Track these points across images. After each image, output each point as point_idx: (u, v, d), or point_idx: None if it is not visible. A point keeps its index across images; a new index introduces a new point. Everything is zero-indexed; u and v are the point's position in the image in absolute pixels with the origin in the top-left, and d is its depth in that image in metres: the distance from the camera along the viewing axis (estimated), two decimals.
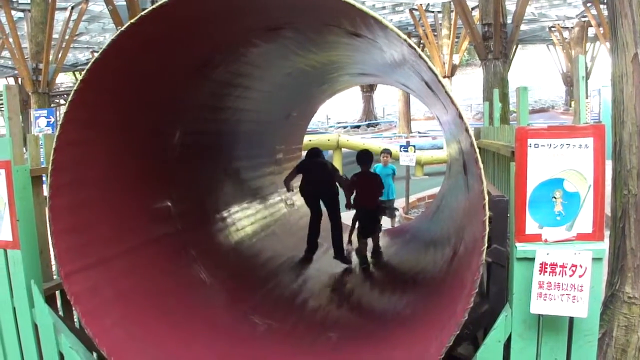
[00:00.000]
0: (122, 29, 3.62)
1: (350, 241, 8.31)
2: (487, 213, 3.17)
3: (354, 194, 7.93)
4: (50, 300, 4.37)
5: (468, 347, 4.67)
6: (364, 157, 8.30)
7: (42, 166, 4.34)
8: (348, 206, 7.90)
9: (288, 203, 8.86)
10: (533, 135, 3.23)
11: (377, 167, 10.58)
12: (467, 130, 3.26)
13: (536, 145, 3.23)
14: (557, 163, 3.22)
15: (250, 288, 5.98)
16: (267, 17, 4.46)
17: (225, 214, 6.62)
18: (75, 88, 3.74)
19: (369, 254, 7.69)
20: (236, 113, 6.56)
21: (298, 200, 9.31)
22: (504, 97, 12.61)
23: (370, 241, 7.86)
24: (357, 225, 8.14)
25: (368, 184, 7.98)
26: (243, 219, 7.07)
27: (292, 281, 6.65)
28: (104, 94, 4.01)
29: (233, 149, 6.89)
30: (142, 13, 3.54)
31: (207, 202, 6.26)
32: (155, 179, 5.11)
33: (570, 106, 35.91)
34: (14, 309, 4.19)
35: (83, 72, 3.75)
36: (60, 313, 4.47)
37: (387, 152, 11.06)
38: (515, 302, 3.37)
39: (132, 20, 3.60)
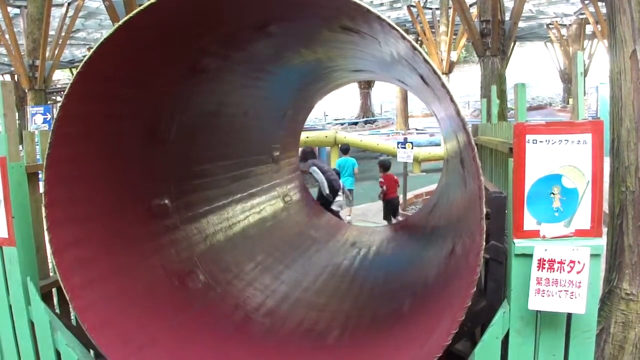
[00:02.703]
0: (120, 23, 3.60)
1: None
2: (484, 210, 3.16)
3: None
4: (47, 297, 4.36)
5: (466, 343, 4.67)
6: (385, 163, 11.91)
7: (38, 163, 4.32)
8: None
9: (286, 200, 8.85)
10: (531, 131, 3.22)
11: (339, 161, 13.09)
12: (464, 127, 3.24)
13: (534, 141, 3.21)
14: (556, 159, 3.21)
15: (248, 285, 5.96)
16: (265, 11, 4.43)
17: (222, 209, 6.59)
18: (71, 81, 3.72)
19: None
20: (230, 109, 6.52)
21: (295, 196, 9.33)
22: (502, 94, 12.64)
23: None
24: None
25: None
26: (240, 215, 7.04)
27: (291, 277, 6.64)
28: (100, 83, 3.98)
29: (228, 145, 6.84)
30: (141, 7, 3.53)
31: (204, 197, 6.22)
32: (152, 173, 5.08)
33: (568, 103, 35.97)
34: (10, 306, 4.17)
35: (80, 65, 3.73)
36: (57, 311, 4.45)
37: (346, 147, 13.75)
38: (513, 298, 3.36)
39: (129, 15, 3.58)
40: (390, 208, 11.65)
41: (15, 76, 32.18)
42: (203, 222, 6.03)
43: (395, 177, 11.72)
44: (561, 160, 3.21)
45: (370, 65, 6.34)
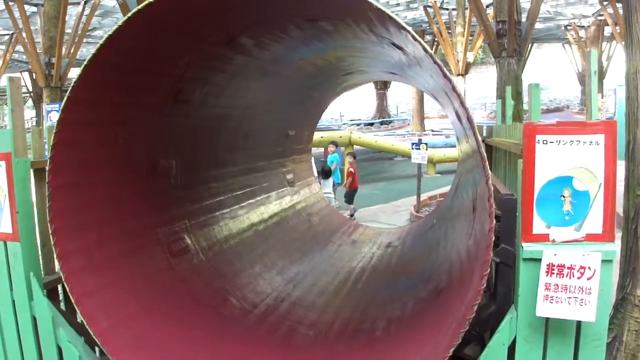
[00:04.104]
0: (125, 18, 3.55)
1: None
2: (494, 213, 3.08)
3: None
4: (52, 293, 4.33)
5: (475, 348, 4.60)
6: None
7: (46, 159, 4.29)
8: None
9: (289, 180, 8.82)
10: (542, 131, 3.12)
11: (331, 157, 14.10)
12: (474, 134, 3.17)
13: (545, 142, 3.12)
14: (567, 160, 3.12)
15: (240, 271, 5.94)
16: (298, 10, 4.38)
17: (230, 203, 6.55)
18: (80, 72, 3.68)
19: None
20: (249, 87, 6.46)
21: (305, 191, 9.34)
22: (518, 96, 12.52)
23: None
24: None
25: None
26: (248, 209, 7.00)
27: (295, 274, 6.59)
28: (108, 72, 3.93)
29: (241, 123, 6.79)
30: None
31: (211, 190, 6.18)
32: (159, 144, 5.03)
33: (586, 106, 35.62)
34: (13, 302, 4.15)
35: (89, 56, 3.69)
36: (63, 307, 4.42)
37: (334, 143, 14.80)
38: (520, 304, 3.27)
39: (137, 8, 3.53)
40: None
41: (32, 74, 32.39)
42: (208, 211, 6.00)
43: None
44: (572, 161, 3.11)
45: (389, 67, 6.27)
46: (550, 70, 54.04)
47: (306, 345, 4.88)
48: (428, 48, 3.18)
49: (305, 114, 9.45)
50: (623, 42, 4.46)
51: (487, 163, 3.08)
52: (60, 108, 3.75)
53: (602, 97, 22.07)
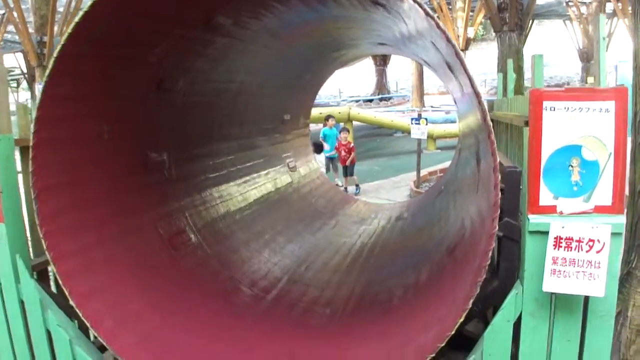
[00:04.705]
0: None
1: None
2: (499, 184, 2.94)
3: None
4: (42, 275, 4.21)
5: (477, 325, 4.49)
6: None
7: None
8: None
9: (290, 166, 8.69)
10: (549, 97, 2.95)
11: (324, 131, 14.33)
12: (479, 102, 3.01)
13: (552, 109, 2.95)
14: (575, 128, 2.94)
15: (249, 259, 5.82)
16: None
17: (221, 177, 6.42)
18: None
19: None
20: (238, 71, 6.29)
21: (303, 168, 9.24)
22: (519, 71, 12.43)
23: None
24: None
25: None
26: (242, 184, 6.88)
27: (293, 252, 6.50)
28: (82, 62, 3.77)
29: (233, 110, 6.63)
30: None
31: (205, 168, 6.04)
32: (148, 137, 4.89)
33: (587, 82, 35.30)
34: (0, 285, 4.00)
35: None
36: (54, 289, 4.29)
37: (331, 117, 15.04)
38: (526, 279, 3.12)
39: None
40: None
41: (26, 54, 32.08)
42: (202, 191, 5.87)
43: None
44: (581, 130, 2.94)
45: (391, 40, 6.12)
46: (550, 47, 53.66)
47: (323, 324, 4.83)
48: (430, 12, 3.02)
49: (299, 97, 9.29)
50: (625, 19, 4.28)
51: (492, 132, 2.93)
52: (36, 106, 3.59)
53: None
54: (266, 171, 7.72)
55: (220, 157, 6.40)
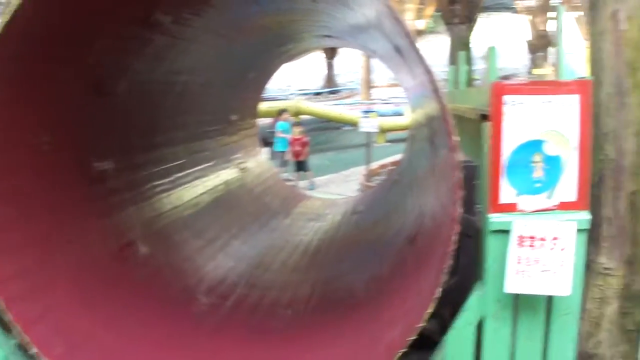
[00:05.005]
0: None
1: None
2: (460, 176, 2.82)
3: None
4: None
5: (433, 322, 4.40)
6: None
7: None
8: None
9: (241, 167, 8.50)
10: (511, 90, 2.85)
11: (279, 125, 14.05)
12: (437, 92, 2.89)
13: (514, 103, 2.85)
14: (538, 123, 2.86)
15: (203, 266, 5.65)
16: None
17: (169, 183, 6.19)
18: None
19: None
20: (180, 71, 6.07)
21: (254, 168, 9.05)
22: (468, 63, 12.44)
23: None
24: None
25: None
26: (191, 188, 6.65)
27: (249, 255, 6.32)
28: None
29: (178, 112, 6.40)
30: None
31: (152, 175, 5.80)
32: (90, 145, 4.63)
33: (534, 74, 35.98)
34: None
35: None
36: None
37: (285, 111, 14.81)
38: (488, 279, 3.03)
39: None
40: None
41: None
42: (145, 193, 5.64)
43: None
44: (544, 124, 2.86)
45: (338, 31, 5.99)
46: (498, 40, 54.53)
47: (285, 326, 4.67)
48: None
49: (245, 95, 9.08)
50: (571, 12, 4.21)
51: (452, 128, 2.81)
52: None
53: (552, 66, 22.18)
54: (216, 174, 7.50)
55: (167, 163, 6.15)
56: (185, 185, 6.44)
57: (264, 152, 10.98)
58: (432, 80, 2.98)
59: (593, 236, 4.08)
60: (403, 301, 3.78)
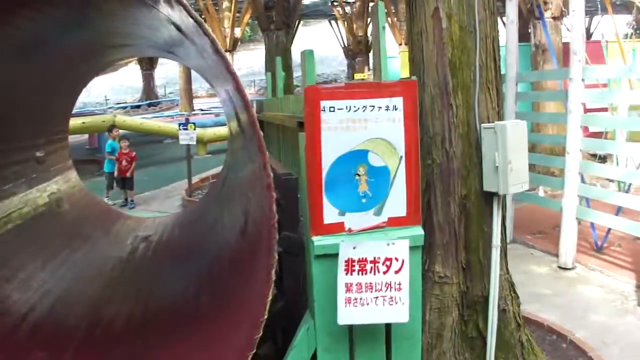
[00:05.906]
0: None
1: None
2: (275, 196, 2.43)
3: None
4: None
5: (267, 345, 4.06)
6: None
7: None
8: None
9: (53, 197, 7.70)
10: (327, 95, 2.49)
11: (110, 143, 12.75)
12: (244, 100, 2.48)
13: (332, 109, 2.50)
14: (359, 131, 2.52)
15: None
16: None
17: None
18: None
19: None
20: None
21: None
22: (287, 70, 12.34)
23: None
24: None
25: None
26: None
27: (61, 282, 5.65)
28: None
29: None
30: None
31: None
32: None
33: (353, 78, 37.07)
34: None
35: None
36: None
37: (115, 127, 13.75)
38: (317, 310, 2.65)
39: None
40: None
41: None
42: None
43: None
44: (367, 132, 2.53)
45: (149, 43, 5.47)
46: (317, 47, 55.75)
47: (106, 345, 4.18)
48: (196, 15, 2.43)
49: (51, 127, 8.24)
50: (389, 18, 4.01)
51: (263, 144, 2.39)
52: None
53: (369, 71, 22.80)
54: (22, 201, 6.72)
55: None
56: None
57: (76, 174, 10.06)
58: (238, 90, 2.57)
59: (426, 244, 3.89)
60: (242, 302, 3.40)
